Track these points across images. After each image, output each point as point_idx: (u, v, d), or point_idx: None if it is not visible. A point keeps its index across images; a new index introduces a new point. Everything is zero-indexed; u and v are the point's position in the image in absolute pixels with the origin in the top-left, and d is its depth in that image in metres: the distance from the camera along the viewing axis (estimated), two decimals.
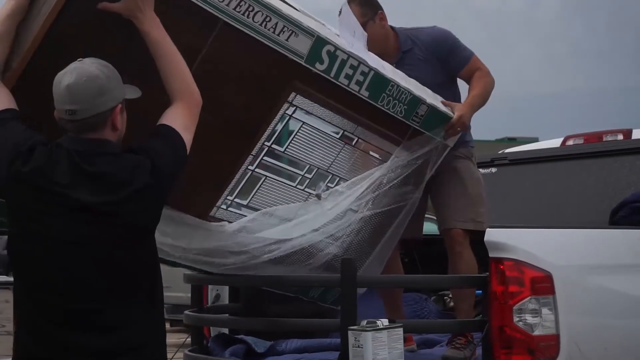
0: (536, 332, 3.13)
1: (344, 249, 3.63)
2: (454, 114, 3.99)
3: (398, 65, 4.15)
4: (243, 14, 3.19)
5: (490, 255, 3.19)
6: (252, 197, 3.66)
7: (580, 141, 5.12)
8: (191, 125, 2.84)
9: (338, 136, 3.77)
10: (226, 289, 4.27)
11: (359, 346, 3.03)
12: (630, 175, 4.65)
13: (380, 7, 4.30)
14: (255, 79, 3.39)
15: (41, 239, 2.64)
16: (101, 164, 2.65)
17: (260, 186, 3.65)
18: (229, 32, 3.19)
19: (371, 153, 3.91)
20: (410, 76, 3.98)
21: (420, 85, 3.95)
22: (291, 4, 3.43)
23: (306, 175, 3.75)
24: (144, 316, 2.77)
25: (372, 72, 3.62)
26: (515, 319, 3.12)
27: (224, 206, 3.58)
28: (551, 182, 5.08)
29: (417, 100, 3.81)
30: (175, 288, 11.94)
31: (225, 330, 4.15)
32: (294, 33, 3.35)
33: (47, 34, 2.77)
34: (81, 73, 2.63)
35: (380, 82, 3.67)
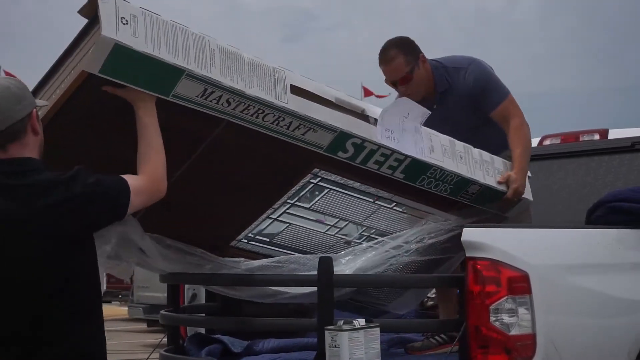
0: (513, 332, 3.12)
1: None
2: (508, 186, 3.85)
3: (437, 108, 4.10)
4: (252, 116, 3.15)
5: (467, 254, 3.19)
6: (276, 236, 3.67)
7: (557, 141, 5.14)
8: (144, 196, 2.92)
9: (372, 200, 3.68)
10: (202, 288, 4.24)
11: (335, 346, 3.01)
12: (607, 175, 4.67)
13: (420, 50, 4.21)
14: (271, 161, 3.36)
15: None
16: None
17: (284, 229, 3.65)
18: (237, 127, 3.18)
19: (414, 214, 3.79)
20: (446, 119, 3.97)
21: (476, 153, 3.78)
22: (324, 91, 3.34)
23: (337, 225, 3.72)
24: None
25: (408, 159, 3.47)
26: (492, 318, 3.12)
27: (245, 240, 3.60)
28: (529, 181, 5.09)
29: (466, 181, 3.65)
30: (152, 288, 12.03)
31: (202, 330, 4.13)
32: (311, 129, 3.27)
33: (64, 103, 2.99)
34: None
35: (419, 166, 3.51)
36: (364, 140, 3.36)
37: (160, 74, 2.93)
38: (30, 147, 2.82)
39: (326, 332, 3.06)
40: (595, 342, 3.37)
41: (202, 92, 3.02)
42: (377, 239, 3.71)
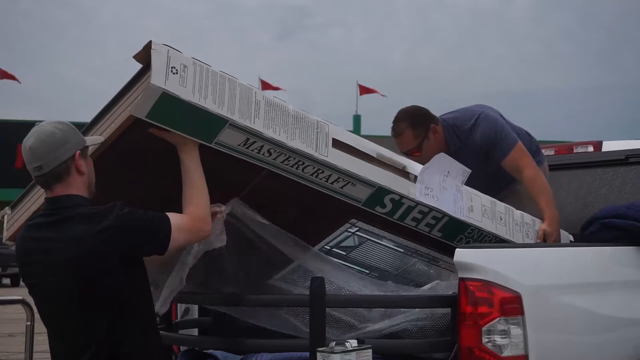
0: (505, 353, 3.12)
1: None
2: (545, 240, 3.93)
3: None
4: (292, 166, 3.23)
5: (460, 275, 3.18)
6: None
7: (551, 152, 5.12)
8: (186, 234, 3.07)
9: (410, 253, 3.75)
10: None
11: None
12: (601, 188, 4.66)
13: (432, 120, 4.28)
14: (310, 209, 3.43)
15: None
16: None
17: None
18: (278, 175, 3.26)
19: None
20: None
21: (518, 215, 3.81)
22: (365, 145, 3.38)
23: (372, 274, 3.77)
24: None
25: (446, 217, 3.52)
26: (484, 339, 3.11)
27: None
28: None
29: (504, 240, 3.69)
30: None
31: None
32: (350, 183, 3.33)
33: (114, 142, 3.12)
34: (40, 133, 3.02)
35: (456, 225, 3.57)
36: (402, 196, 3.43)
37: (204, 122, 3.03)
38: (76, 186, 3.02)
39: (318, 354, 3.04)
40: None
41: (244, 141, 3.11)
42: None
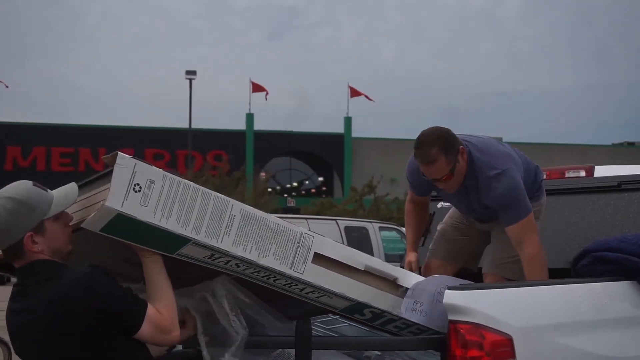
0: None
1: None
2: None
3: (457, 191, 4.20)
4: (262, 277, 3.14)
5: (449, 317, 3.10)
6: None
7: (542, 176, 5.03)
8: (155, 328, 2.91)
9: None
10: None
11: None
12: (593, 215, 4.57)
13: (459, 142, 4.06)
14: (284, 302, 3.32)
15: None
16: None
17: None
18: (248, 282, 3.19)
19: None
20: (463, 199, 4.24)
21: None
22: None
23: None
24: None
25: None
26: None
27: None
28: None
29: None
30: None
31: None
32: (326, 295, 3.25)
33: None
34: None
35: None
36: (383, 311, 3.36)
37: (164, 239, 2.92)
38: (37, 256, 2.92)
39: None
40: None
41: (209, 255, 3.02)
42: None
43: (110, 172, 2.83)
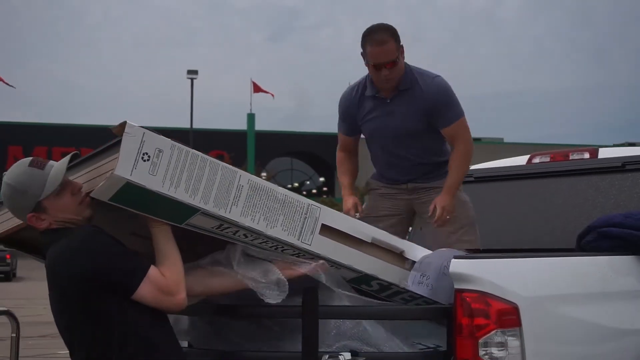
0: None
1: None
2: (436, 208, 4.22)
3: (391, 102, 4.34)
4: (270, 248, 3.16)
5: (455, 286, 3.11)
6: None
7: (546, 159, 5.05)
8: (157, 290, 2.92)
9: None
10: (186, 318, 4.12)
11: None
12: (597, 196, 4.59)
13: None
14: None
15: None
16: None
17: None
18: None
19: None
20: (390, 119, 4.35)
21: None
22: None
23: None
24: None
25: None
26: (481, 352, 3.04)
27: None
28: (517, 200, 5.02)
29: None
30: None
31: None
32: (334, 266, 3.26)
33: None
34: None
35: None
36: (390, 283, 3.38)
37: (173, 209, 2.93)
38: (51, 226, 3.01)
39: None
40: None
41: (217, 225, 3.04)
42: None
43: (119, 142, 2.83)
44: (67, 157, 3.03)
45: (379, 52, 4.21)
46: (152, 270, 2.92)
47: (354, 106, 4.50)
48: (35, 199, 2.97)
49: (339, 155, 4.82)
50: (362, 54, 4.33)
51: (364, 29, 4.32)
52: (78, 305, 2.89)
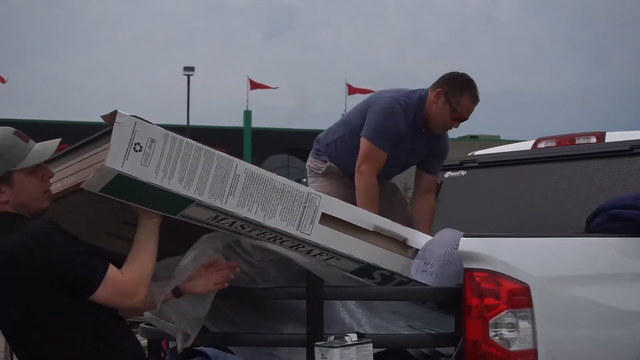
0: (513, 347, 2.96)
1: None
2: None
3: (420, 139, 4.41)
4: (268, 240, 3.08)
5: (465, 265, 3.02)
6: None
7: (552, 144, 4.97)
8: (112, 290, 2.80)
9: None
10: None
11: None
12: (604, 180, 4.50)
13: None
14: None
15: None
16: None
17: None
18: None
19: None
20: (411, 154, 4.45)
21: None
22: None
23: None
24: None
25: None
26: (492, 333, 2.95)
27: None
28: (522, 185, 4.93)
29: None
30: None
31: None
32: (335, 257, 3.17)
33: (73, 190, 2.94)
34: None
35: None
36: (393, 273, 3.30)
37: (167, 200, 2.84)
38: (5, 206, 2.87)
39: (316, 349, 2.89)
40: (597, 355, 3.21)
41: (213, 217, 2.95)
42: None
43: (110, 131, 2.73)
44: (58, 140, 2.94)
45: (473, 109, 4.28)
46: (112, 272, 2.81)
47: (407, 129, 4.37)
48: (8, 166, 2.84)
49: (371, 181, 4.34)
50: (444, 93, 4.25)
51: (451, 73, 4.35)
52: (34, 304, 2.77)
